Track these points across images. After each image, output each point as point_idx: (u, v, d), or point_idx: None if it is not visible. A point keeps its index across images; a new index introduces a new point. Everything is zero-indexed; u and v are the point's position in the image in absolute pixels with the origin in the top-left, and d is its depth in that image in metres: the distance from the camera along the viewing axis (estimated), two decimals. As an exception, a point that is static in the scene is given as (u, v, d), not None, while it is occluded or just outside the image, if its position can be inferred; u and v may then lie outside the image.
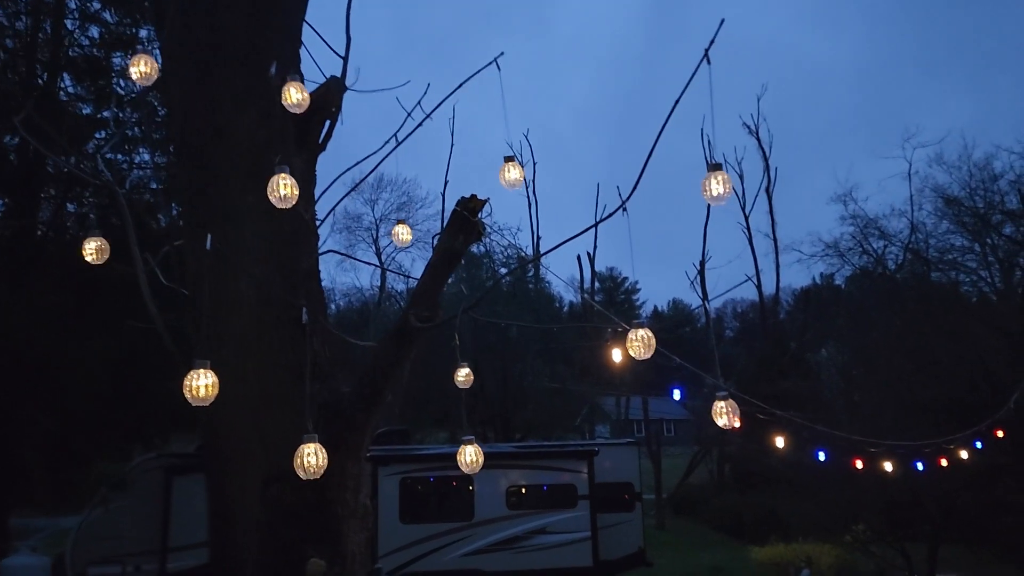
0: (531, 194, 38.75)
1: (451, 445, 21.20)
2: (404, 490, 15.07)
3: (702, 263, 34.44)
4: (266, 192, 4.45)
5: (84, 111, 17.21)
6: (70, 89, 17.79)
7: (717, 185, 3.70)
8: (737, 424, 4.05)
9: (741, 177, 37.87)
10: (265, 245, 4.80)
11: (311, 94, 5.34)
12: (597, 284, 50.62)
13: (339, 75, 5.22)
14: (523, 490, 15.63)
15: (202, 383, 3.84)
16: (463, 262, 38.62)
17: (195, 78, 5.02)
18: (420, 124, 5.17)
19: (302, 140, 5.12)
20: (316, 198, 5.28)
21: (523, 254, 32.57)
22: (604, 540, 15.15)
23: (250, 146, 4.82)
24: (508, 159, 4.47)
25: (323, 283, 5.11)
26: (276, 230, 4.82)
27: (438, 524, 15.06)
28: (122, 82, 17.39)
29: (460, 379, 6.12)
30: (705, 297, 34.95)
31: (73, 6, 17.88)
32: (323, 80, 5.35)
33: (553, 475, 15.68)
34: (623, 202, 3.83)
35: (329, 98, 5.16)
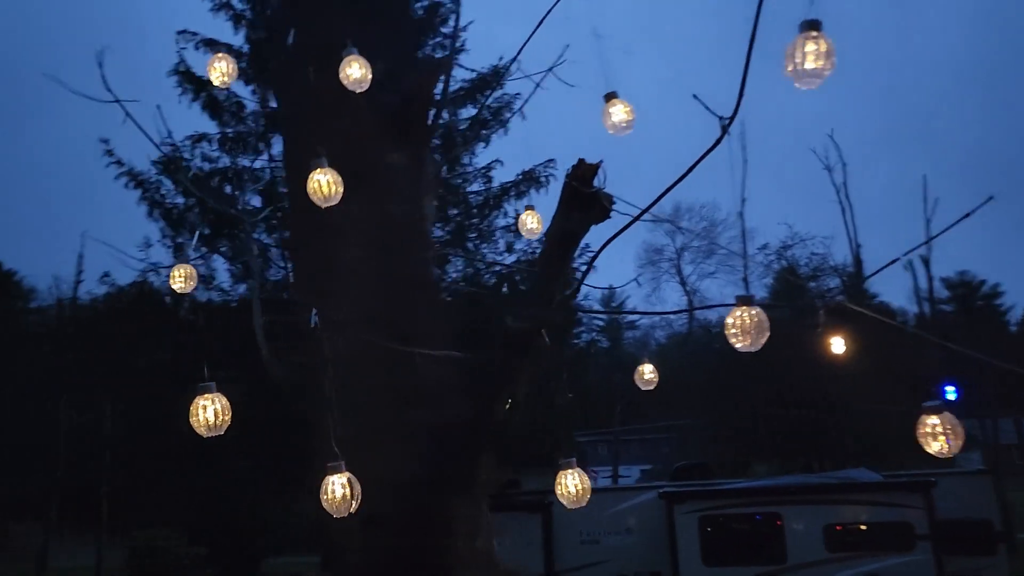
0: (844, 199, 35.34)
1: (757, 479, 19.30)
2: (704, 529, 13.85)
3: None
4: (368, 198, 3.97)
5: None
6: None
7: (803, 57, 2.43)
8: (956, 450, 2.58)
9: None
10: (368, 256, 4.33)
11: (409, 82, 4.84)
12: (947, 292, 44.63)
13: (449, 58, 4.66)
14: (845, 529, 13.56)
15: (211, 409, 3.31)
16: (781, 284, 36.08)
17: (298, 95, 4.81)
18: (516, 58, 4.51)
19: (405, 133, 4.60)
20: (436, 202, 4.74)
21: (834, 266, 29.42)
22: (956, 591, 12.51)
23: (346, 150, 4.43)
24: (610, 96, 3.56)
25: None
26: (381, 238, 4.33)
27: (747, 567, 13.57)
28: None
29: (645, 378, 5.46)
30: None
31: None
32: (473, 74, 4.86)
33: (882, 511, 13.41)
34: (729, 122, 2.64)
35: (425, 84, 4.59)
